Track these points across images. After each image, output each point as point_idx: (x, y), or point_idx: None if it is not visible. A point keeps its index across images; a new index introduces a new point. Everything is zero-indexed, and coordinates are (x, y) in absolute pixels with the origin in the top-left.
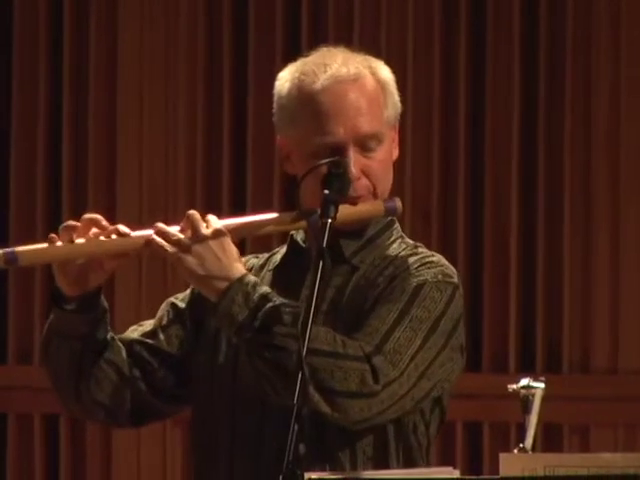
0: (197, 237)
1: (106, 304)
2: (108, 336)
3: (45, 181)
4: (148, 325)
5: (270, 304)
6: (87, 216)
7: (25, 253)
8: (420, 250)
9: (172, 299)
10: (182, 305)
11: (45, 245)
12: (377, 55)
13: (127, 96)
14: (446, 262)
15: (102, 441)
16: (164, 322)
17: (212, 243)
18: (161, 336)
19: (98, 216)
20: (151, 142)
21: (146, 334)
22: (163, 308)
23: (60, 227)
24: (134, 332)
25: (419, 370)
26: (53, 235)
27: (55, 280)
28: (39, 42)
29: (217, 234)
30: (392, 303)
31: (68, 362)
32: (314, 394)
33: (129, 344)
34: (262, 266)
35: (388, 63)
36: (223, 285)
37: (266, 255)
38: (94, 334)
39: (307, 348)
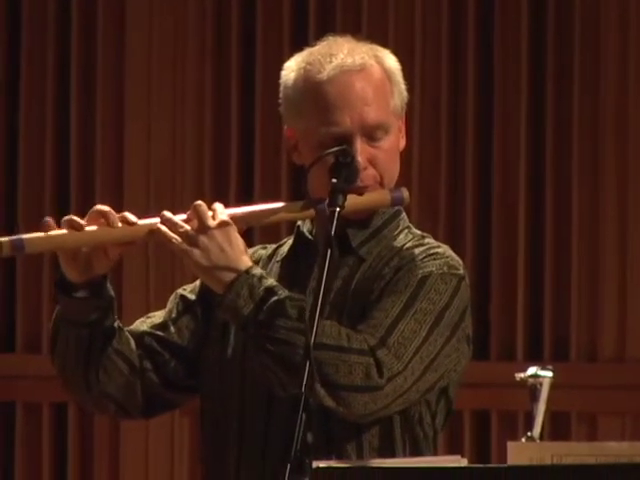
0: (203, 228)
1: (113, 292)
2: (115, 324)
3: (53, 170)
4: (157, 317)
5: (275, 297)
6: (97, 208)
7: (32, 241)
8: (427, 241)
9: (181, 291)
10: (192, 297)
11: (51, 232)
12: (385, 44)
13: (135, 85)
14: (452, 253)
15: (110, 430)
16: (174, 314)
17: (218, 235)
18: (172, 328)
19: (107, 208)
20: (159, 131)
21: (156, 326)
22: (172, 300)
23: (62, 220)
24: (143, 324)
25: (424, 363)
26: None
27: (60, 268)
28: (47, 31)
29: (223, 225)
30: (397, 295)
31: (76, 350)
32: (319, 389)
33: (139, 336)
34: (270, 257)
35: (396, 52)
36: (229, 277)
37: (274, 246)
38: (102, 321)
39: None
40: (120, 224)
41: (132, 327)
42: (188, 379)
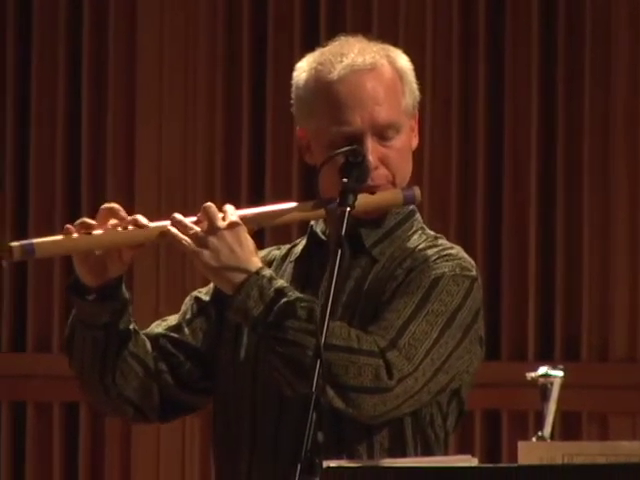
0: (213, 230)
1: (128, 295)
2: (131, 327)
3: (64, 174)
4: (172, 320)
5: (285, 299)
6: (106, 206)
7: (42, 245)
8: (440, 242)
9: (196, 293)
10: (206, 298)
11: (62, 237)
12: (395, 44)
13: (146, 86)
14: (465, 255)
15: (122, 430)
16: (188, 316)
17: (228, 236)
18: (186, 330)
19: (116, 206)
20: (170, 133)
21: (171, 328)
22: (187, 302)
23: (76, 222)
24: (158, 327)
25: (435, 364)
26: (69, 226)
27: (74, 270)
28: (58, 31)
29: (233, 226)
30: (408, 296)
31: (92, 352)
32: (328, 390)
33: (154, 338)
34: (284, 258)
35: (406, 52)
36: (239, 279)
37: (288, 246)
38: (116, 324)
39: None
40: (131, 225)
41: (147, 330)
42: (203, 380)
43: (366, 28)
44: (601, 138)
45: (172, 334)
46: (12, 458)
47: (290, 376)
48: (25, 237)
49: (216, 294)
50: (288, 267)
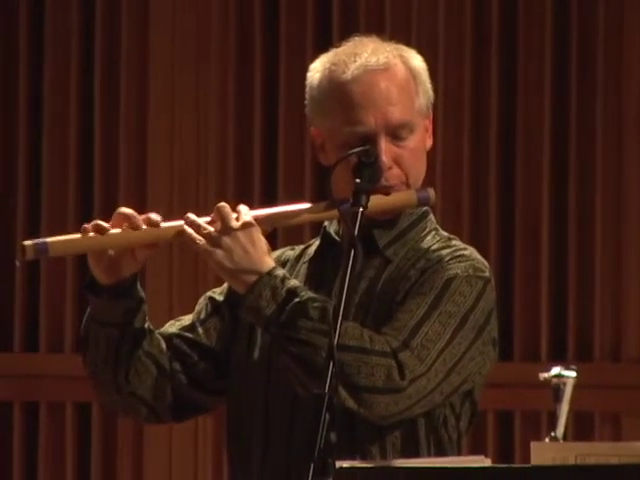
0: (226, 230)
1: (143, 294)
2: (145, 326)
3: (77, 173)
4: (186, 319)
5: (297, 299)
6: (120, 211)
7: (55, 244)
8: (453, 243)
9: (210, 293)
10: (220, 298)
11: (75, 236)
12: (407, 45)
13: (158, 86)
14: (478, 256)
15: (134, 429)
16: (202, 316)
17: (241, 236)
18: (200, 330)
19: (131, 211)
20: (182, 133)
21: (185, 328)
22: (201, 302)
23: (90, 224)
24: (172, 327)
25: (448, 365)
26: (86, 226)
27: (89, 269)
28: (71, 29)
29: (247, 227)
30: (421, 297)
31: (105, 350)
32: (341, 390)
33: (168, 338)
34: (297, 258)
35: (418, 53)
36: (251, 279)
37: (301, 247)
38: (131, 322)
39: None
40: (144, 226)
41: (162, 330)
42: (217, 380)
43: (379, 29)
44: (613, 138)
45: (186, 334)
46: (25, 458)
47: (303, 376)
48: (37, 236)
49: (230, 294)
50: (302, 268)
